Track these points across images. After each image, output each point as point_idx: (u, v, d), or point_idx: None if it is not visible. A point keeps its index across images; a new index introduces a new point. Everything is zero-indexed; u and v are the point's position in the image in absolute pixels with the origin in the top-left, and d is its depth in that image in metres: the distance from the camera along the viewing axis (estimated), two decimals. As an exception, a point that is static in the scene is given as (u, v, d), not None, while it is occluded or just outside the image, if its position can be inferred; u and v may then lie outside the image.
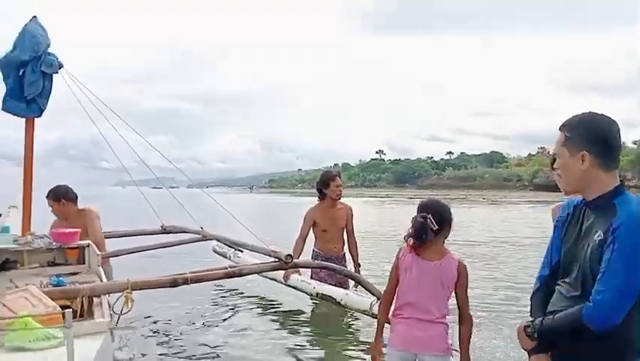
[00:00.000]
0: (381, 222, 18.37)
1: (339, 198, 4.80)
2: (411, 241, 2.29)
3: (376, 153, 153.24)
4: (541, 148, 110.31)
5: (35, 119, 4.28)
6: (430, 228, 2.25)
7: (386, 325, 2.44)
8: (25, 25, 4.11)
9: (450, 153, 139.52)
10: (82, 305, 2.70)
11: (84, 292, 2.74)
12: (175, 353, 3.65)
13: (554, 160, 1.71)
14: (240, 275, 3.97)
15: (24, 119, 4.27)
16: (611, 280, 1.46)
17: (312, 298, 4.78)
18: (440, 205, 2.37)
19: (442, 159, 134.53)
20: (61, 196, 4.42)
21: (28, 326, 1.72)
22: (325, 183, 4.74)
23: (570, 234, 1.69)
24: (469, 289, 2.36)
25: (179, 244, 6.22)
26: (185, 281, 3.48)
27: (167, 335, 4.08)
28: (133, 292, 2.89)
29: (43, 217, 4.56)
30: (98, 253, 3.57)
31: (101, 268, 3.45)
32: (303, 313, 4.93)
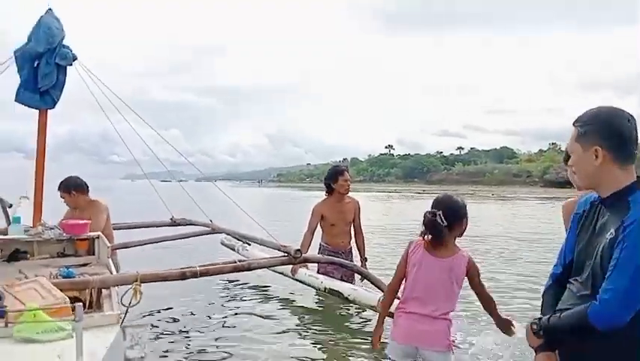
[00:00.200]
0: (388, 217, 18.33)
1: (347, 193, 4.79)
2: (428, 237, 2.28)
3: (385, 147, 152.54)
4: (553, 144, 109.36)
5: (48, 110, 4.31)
6: (440, 224, 2.23)
7: (389, 318, 2.44)
8: (41, 17, 4.13)
9: (460, 148, 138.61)
10: (91, 297, 2.72)
11: (93, 284, 2.76)
12: (186, 351, 3.63)
13: (568, 156, 1.67)
14: (249, 269, 3.98)
15: (37, 111, 4.30)
16: (619, 280, 1.43)
17: (318, 293, 4.78)
18: (453, 201, 2.34)
19: (451, 154, 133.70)
20: (71, 187, 4.45)
21: (38, 318, 1.73)
22: (333, 178, 4.73)
23: (584, 232, 1.66)
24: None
25: (188, 237, 6.26)
26: (194, 274, 3.49)
27: (177, 332, 4.07)
28: (142, 284, 2.89)
29: (54, 209, 4.60)
30: (108, 245, 3.59)
31: (110, 259, 3.48)
32: (311, 306, 4.93)
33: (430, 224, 2.26)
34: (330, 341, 3.91)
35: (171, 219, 6.31)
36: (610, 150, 1.51)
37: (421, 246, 2.33)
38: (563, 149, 1.71)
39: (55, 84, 4.17)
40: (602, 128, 1.53)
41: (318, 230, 4.83)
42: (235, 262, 3.88)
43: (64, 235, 3.65)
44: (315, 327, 4.26)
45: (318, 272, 4.65)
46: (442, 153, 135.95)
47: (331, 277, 4.49)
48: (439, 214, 2.25)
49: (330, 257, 4.52)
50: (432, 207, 2.30)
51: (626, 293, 1.42)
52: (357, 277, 4.59)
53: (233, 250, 6.03)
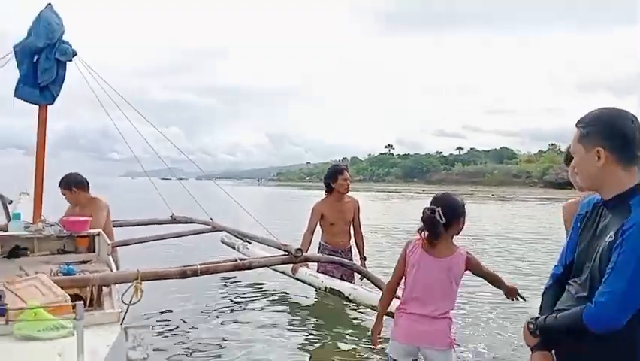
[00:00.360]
0: (388, 216, 18.33)
1: (347, 192, 4.79)
2: (425, 234, 2.28)
3: (385, 147, 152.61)
4: (552, 145, 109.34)
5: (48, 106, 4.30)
6: (439, 221, 2.23)
7: (388, 318, 2.44)
8: (41, 11, 4.11)
9: (460, 148, 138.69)
10: (91, 294, 2.72)
11: (94, 282, 2.76)
12: (189, 351, 3.62)
13: (568, 157, 1.67)
14: (250, 268, 3.98)
15: (36, 107, 4.29)
16: (616, 283, 1.42)
17: (318, 292, 4.78)
18: (452, 199, 2.35)
19: (451, 154, 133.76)
20: (72, 184, 4.45)
21: (38, 316, 1.72)
22: (333, 177, 4.73)
23: (586, 233, 1.65)
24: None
25: (188, 235, 6.26)
26: (195, 273, 3.49)
27: (179, 332, 4.05)
28: (142, 282, 2.89)
29: (55, 206, 4.59)
30: (109, 242, 3.58)
31: (110, 257, 3.47)
32: (310, 305, 4.93)
33: (428, 220, 2.26)
34: (331, 340, 3.91)
35: (171, 216, 6.31)
36: (613, 151, 1.50)
37: (419, 246, 2.33)
38: (563, 150, 1.71)
39: (55, 80, 4.17)
40: (605, 129, 1.51)
41: (318, 229, 4.83)
42: (236, 261, 3.87)
43: (65, 231, 3.64)
44: (316, 327, 4.26)
45: (317, 271, 4.66)
46: (441, 153, 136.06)
47: (331, 276, 4.50)
48: (438, 211, 2.25)
49: (331, 256, 4.52)
50: (431, 204, 2.30)
51: (622, 297, 1.42)
52: (356, 276, 4.60)
53: (234, 248, 6.02)
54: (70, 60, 4.22)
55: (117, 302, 2.49)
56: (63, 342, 1.68)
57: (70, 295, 2.23)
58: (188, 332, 4.07)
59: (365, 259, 4.90)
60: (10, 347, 1.67)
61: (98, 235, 3.66)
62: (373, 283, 4.20)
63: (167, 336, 3.94)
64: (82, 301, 1.64)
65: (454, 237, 2.36)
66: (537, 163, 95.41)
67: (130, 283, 2.86)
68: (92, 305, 2.61)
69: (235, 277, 5.88)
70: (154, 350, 3.63)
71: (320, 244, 4.86)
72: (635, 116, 1.53)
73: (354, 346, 3.77)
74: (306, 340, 3.95)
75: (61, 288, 2.20)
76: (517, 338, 3.76)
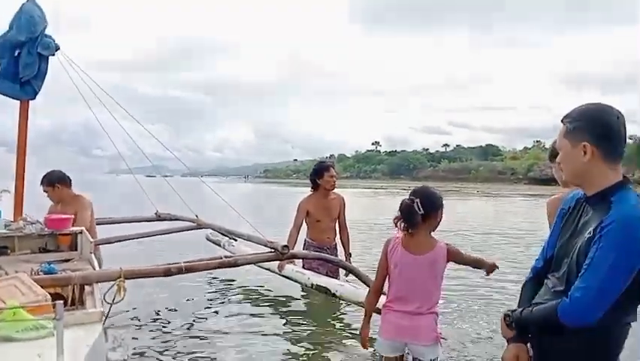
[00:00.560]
0: (373, 212, 18.38)
1: (333, 189, 4.79)
2: (402, 225, 2.28)
3: (372, 144, 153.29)
4: (537, 142, 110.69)
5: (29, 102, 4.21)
6: (416, 211, 2.24)
7: (376, 315, 2.45)
8: (22, 4, 4.01)
9: (446, 145, 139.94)
10: (73, 293, 2.67)
11: (76, 280, 2.71)
12: (171, 352, 3.57)
13: (554, 153, 1.68)
14: (235, 265, 3.94)
15: (17, 103, 4.20)
16: (591, 279, 1.44)
17: (304, 289, 4.78)
18: (430, 192, 2.36)
19: (437, 151, 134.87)
20: (55, 181, 4.38)
21: (17, 316, 1.68)
22: (319, 174, 4.72)
23: (567, 228, 1.67)
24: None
25: (173, 232, 6.19)
26: (180, 271, 3.45)
27: (161, 332, 4.00)
28: (125, 281, 2.85)
29: (38, 205, 4.50)
30: (92, 240, 3.52)
31: (93, 255, 3.42)
32: (297, 302, 4.92)
33: (406, 209, 2.27)
34: (318, 337, 3.91)
35: (156, 214, 6.24)
36: (598, 146, 1.51)
37: (399, 244, 2.34)
38: (547, 146, 1.72)
39: (37, 74, 4.07)
40: (591, 124, 1.52)
41: (304, 226, 4.82)
42: (221, 258, 3.84)
43: (46, 229, 3.58)
44: (302, 324, 4.26)
45: (303, 268, 4.65)
46: (427, 149, 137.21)
47: (317, 272, 4.51)
48: (417, 202, 2.26)
49: (318, 253, 4.52)
50: (410, 196, 2.32)
51: (596, 292, 1.43)
52: (341, 271, 4.60)
53: (219, 245, 5.98)
54: (53, 54, 4.14)
55: (99, 302, 2.44)
56: (43, 343, 1.64)
57: (51, 294, 2.19)
58: (171, 332, 4.03)
59: (350, 256, 4.89)
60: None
61: (81, 232, 3.60)
62: (359, 278, 4.21)
63: (148, 336, 3.90)
64: (62, 301, 1.61)
65: (434, 232, 2.38)
66: (522, 160, 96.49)
67: (113, 282, 2.82)
68: (73, 304, 2.56)
69: (221, 275, 5.84)
70: (135, 349, 3.59)
71: (305, 240, 4.84)
72: (620, 112, 1.54)
73: (342, 343, 3.78)
74: (293, 338, 3.94)
75: (42, 287, 2.16)
76: (498, 329, 3.80)
